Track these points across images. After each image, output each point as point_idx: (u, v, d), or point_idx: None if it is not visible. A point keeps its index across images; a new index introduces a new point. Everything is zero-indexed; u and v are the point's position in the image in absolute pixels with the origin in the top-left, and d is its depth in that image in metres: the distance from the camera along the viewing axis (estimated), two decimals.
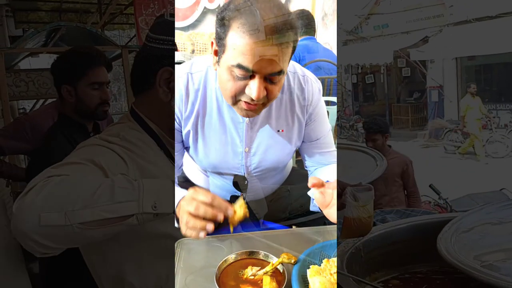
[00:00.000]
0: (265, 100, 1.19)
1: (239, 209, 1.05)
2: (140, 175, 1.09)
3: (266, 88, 1.15)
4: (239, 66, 1.12)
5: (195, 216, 0.99)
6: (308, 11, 3.30)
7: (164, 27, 1.18)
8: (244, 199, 1.46)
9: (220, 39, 1.16)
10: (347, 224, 1.25)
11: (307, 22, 3.15)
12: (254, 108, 1.19)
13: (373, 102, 16.77)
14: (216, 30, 1.18)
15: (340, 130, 13.84)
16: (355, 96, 16.67)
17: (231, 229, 1.06)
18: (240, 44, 1.10)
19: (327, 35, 4.46)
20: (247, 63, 1.11)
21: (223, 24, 1.14)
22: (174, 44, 1.17)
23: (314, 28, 3.21)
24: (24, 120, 2.56)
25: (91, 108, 2.10)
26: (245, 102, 1.18)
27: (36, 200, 0.87)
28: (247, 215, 1.06)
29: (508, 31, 10.19)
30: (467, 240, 1.23)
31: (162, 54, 1.16)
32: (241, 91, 1.16)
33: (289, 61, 1.21)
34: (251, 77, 1.14)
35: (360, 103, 16.76)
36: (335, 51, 4.04)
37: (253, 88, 1.13)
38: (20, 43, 3.56)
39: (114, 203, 0.90)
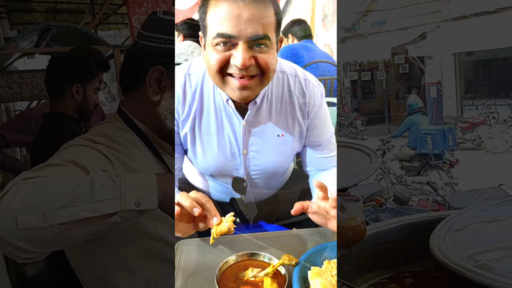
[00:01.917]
0: (258, 72, 1.15)
1: (225, 222, 1.01)
2: None
3: (255, 58, 1.12)
4: (219, 35, 1.10)
5: (179, 205, 0.98)
6: (303, 20, 3.35)
7: (156, 24, 1.14)
8: (243, 201, 1.44)
9: (203, 23, 1.16)
10: (338, 233, 1.22)
11: (303, 27, 3.22)
12: (246, 83, 1.15)
13: (372, 99, 16.76)
14: (200, 19, 1.17)
15: (339, 127, 13.83)
16: (354, 94, 16.65)
17: (211, 240, 1.02)
18: (217, 13, 1.10)
19: (327, 36, 4.45)
20: (226, 28, 1.09)
21: (202, 6, 1.14)
22: (167, 43, 1.13)
23: (311, 32, 3.28)
24: (29, 114, 2.60)
25: (90, 109, 2.19)
26: (235, 78, 1.14)
27: (11, 203, 0.83)
28: (231, 232, 1.02)
29: (506, 26, 10.15)
30: (461, 239, 1.20)
31: (154, 52, 1.13)
32: (226, 63, 1.13)
33: (276, 31, 1.17)
34: (234, 46, 1.11)
35: (359, 100, 16.75)
36: (335, 52, 4.05)
37: (237, 55, 1.11)
38: (11, 43, 3.53)
39: (95, 202, 0.85)
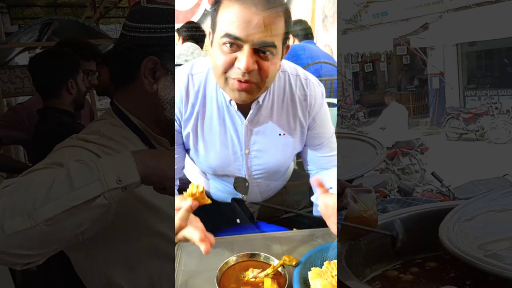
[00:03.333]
0: (258, 79, 1.16)
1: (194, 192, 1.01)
2: None
3: (258, 63, 1.13)
4: (227, 35, 1.11)
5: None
6: (304, 20, 3.41)
7: (143, 14, 1.12)
8: (244, 201, 1.44)
9: (213, 20, 1.17)
10: (349, 222, 1.20)
11: (304, 27, 3.27)
12: (246, 87, 1.16)
13: (374, 90, 16.71)
14: (211, 15, 1.18)
15: (341, 119, 13.81)
16: (356, 85, 16.59)
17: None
18: (229, 13, 1.11)
19: (327, 37, 4.46)
20: (234, 30, 1.10)
21: (215, 3, 1.15)
22: (157, 31, 1.10)
23: (311, 32, 3.33)
24: (21, 109, 2.56)
25: (84, 98, 2.24)
26: (236, 80, 1.15)
27: None
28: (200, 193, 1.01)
29: (509, 16, 10.09)
30: (470, 229, 1.19)
31: (144, 42, 1.10)
32: (231, 66, 1.14)
33: (283, 41, 1.18)
34: (240, 48, 1.12)
35: (361, 92, 16.69)
36: (335, 51, 4.09)
37: (242, 58, 1.12)
38: (12, 38, 3.52)
39: (75, 190, 0.84)
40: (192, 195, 0.99)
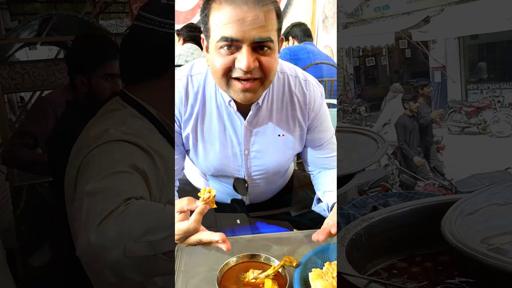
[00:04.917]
0: (261, 75, 1.16)
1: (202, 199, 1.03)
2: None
3: (258, 60, 1.13)
4: (223, 38, 1.11)
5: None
6: (303, 22, 3.45)
7: (165, 10, 1.11)
8: (244, 202, 1.44)
9: (205, 26, 1.16)
10: None
11: (304, 29, 3.33)
12: (250, 86, 1.16)
13: (375, 85, 16.66)
14: (202, 21, 1.18)
15: (342, 114, 13.79)
16: (357, 80, 16.55)
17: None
18: (221, 16, 1.11)
19: (327, 38, 4.45)
20: (230, 32, 1.10)
21: (204, 9, 1.15)
22: (172, 28, 1.11)
23: (311, 34, 3.39)
24: (47, 101, 2.47)
25: (103, 98, 2.08)
26: (238, 80, 1.14)
27: (122, 228, 0.80)
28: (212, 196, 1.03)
29: (511, 9, 10.03)
30: (473, 223, 1.18)
31: (170, 38, 1.11)
32: (231, 67, 1.14)
33: (278, 32, 1.18)
34: (238, 49, 1.11)
35: (362, 86, 16.64)
36: (335, 53, 4.15)
37: (242, 58, 1.11)
38: (11, 34, 3.51)
39: None
40: (205, 199, 1.01)
